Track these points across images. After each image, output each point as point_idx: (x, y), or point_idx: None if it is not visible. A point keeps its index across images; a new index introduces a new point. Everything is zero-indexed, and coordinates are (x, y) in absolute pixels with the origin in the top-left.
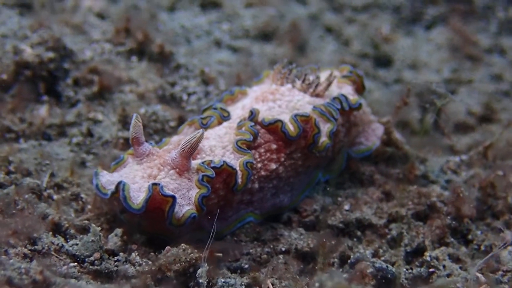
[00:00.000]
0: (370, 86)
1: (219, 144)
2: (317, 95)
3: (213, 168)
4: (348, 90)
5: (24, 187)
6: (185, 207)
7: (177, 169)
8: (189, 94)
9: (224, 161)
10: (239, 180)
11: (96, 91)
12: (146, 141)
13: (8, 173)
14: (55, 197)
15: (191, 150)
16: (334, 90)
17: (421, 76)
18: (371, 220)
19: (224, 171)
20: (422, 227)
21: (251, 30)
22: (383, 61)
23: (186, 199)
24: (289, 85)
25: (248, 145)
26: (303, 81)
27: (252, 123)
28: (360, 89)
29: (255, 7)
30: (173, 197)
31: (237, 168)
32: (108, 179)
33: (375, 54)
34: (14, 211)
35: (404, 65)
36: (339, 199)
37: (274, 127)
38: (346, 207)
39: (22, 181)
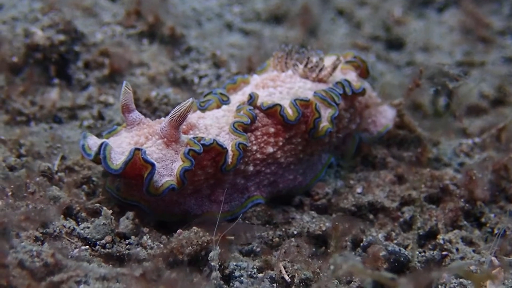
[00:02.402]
0: (382, 69)
1: (215, 124)
2: (320, 81)
3: (203, 145)
4: (352, 76)
5: (35, 170)
6: (165, 178)
7: (165, 139)
8: (200, 77)
9: (214, 139)
10: (229, 160)
11: (107, 74)
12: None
13: (19, 156)
14: (66, 180)
15: (179, 119)
16: (338, 76)
17: (433, 59)
18: (384, 203)
19: (213, 149)
20: (435, 210)
21: (262, 13)
22: (395, 44)
23: (168, 170)
24: (290, 72)
25: (244, 127)
26: (306, 65)
27: (251, 107)
28: (364, 74)
29: None
30: (153, 165)
31: (229, 148)
32: (95, 142)
33: (387, 36)
34: (25, 194)
35: (416, 48)
36: (351, 182)
37: (272, 111)
38: (359, 190)
39: (33, 164)
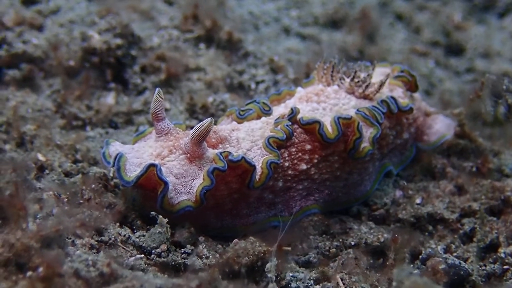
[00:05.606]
0: (441, 75)
1: (248, 137)
2: (366, 97)
3: (230, 161)
4: (398, 93)
5: (91, 176)
6: (182, 196)
7: (188, 155)
8: (257, 83)
9: (243, 157)
10: (257, 177)
11: (164, 79)
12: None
13: (75, 161)
14: (121, 187)
15: (200, 138)
16: (385, 93)
17: (494, 66)
18: (443, 215)
19: (240, 167)
20: (496, 222)
21: (320, 17)
22: (455, 50)
23: (188, 187)
24: (336, 87)
25: (279, 144)
26: (352, 79)
27: (289, 122)
28: (413, 88)
29: None
30: (165, 183)
31: (259, 165)
32: (116, 149)
33: (446, 42)
34: (81, 201)
35: (476, 54)
36: (410, 192)
37: (311, 128)
38: (418, 201)
39: (89, 170)
